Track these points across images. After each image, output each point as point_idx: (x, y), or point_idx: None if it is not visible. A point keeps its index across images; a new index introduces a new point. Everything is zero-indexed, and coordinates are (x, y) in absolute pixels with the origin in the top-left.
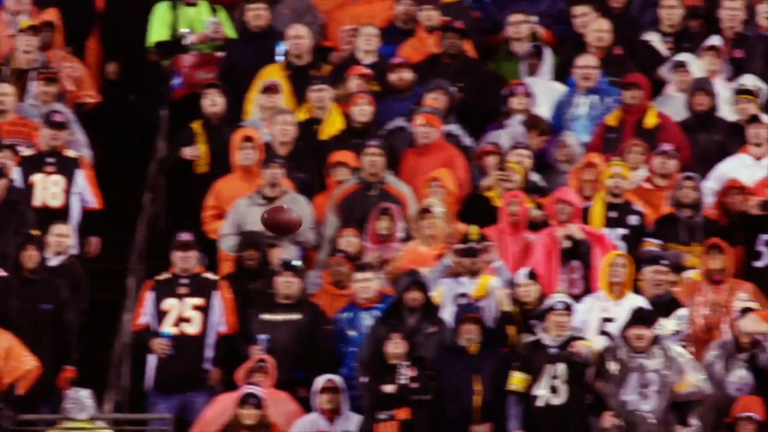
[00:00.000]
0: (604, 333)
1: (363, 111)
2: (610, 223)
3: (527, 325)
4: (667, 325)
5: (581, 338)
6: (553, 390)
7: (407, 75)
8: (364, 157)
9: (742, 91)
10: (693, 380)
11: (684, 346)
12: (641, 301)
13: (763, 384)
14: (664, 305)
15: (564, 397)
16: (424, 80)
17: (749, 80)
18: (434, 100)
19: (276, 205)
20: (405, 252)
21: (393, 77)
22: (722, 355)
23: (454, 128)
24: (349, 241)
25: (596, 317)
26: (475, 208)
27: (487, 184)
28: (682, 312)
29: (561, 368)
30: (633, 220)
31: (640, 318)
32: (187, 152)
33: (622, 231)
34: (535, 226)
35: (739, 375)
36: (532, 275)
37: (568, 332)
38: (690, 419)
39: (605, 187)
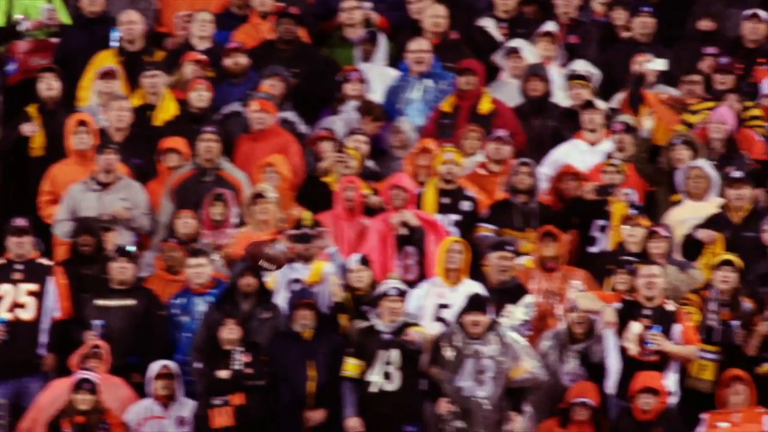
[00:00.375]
0: (439, 319)
1: (201, 97)
2: (443, 209)
3: (359, 311)
4: (515, 313)
5: (415, 324)
6: (387, 376)
7: (242, 60)
8: (199, 143)
9: (574, 77)
10: (528, 367)
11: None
12: (477, 288)
13: (596, 376)
14: (510, 291)
15: (397, 383)
16: (258, 66)
17: (581, 65)
18: (270, 86)
19: (262, 240)
20: (238, 238)
21: (228, 62)
22: (556, 345)
23: (290, 115)
24: (186, 222)
25: (432, 303)
26: (314, 193)
27: (324, 166)
28: (528, 299)
29: (394, 354)
30: (465, 206)
31: (475, 304)
32: (26, 129)
33: (454, 217)
34: (371, 211)
35: (572, 366)
36: (365, 261)
37: (401, 318)
38: (524, 406)
39: (438, 173)
